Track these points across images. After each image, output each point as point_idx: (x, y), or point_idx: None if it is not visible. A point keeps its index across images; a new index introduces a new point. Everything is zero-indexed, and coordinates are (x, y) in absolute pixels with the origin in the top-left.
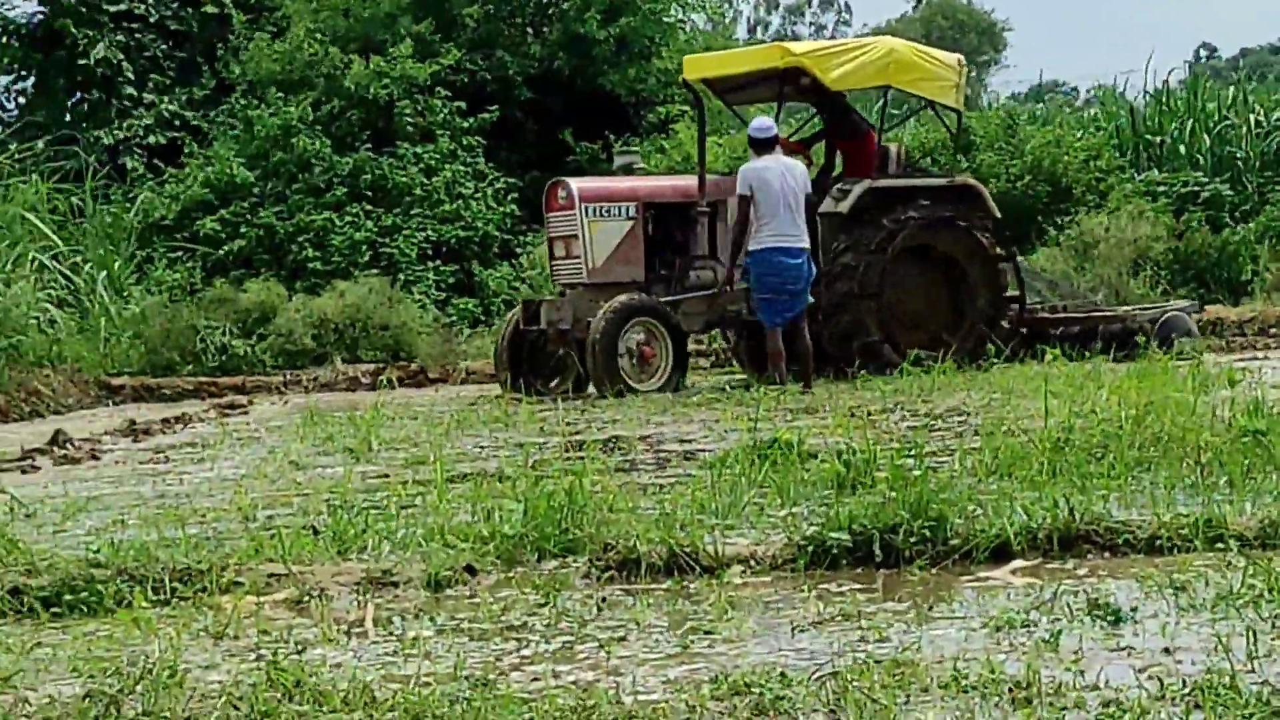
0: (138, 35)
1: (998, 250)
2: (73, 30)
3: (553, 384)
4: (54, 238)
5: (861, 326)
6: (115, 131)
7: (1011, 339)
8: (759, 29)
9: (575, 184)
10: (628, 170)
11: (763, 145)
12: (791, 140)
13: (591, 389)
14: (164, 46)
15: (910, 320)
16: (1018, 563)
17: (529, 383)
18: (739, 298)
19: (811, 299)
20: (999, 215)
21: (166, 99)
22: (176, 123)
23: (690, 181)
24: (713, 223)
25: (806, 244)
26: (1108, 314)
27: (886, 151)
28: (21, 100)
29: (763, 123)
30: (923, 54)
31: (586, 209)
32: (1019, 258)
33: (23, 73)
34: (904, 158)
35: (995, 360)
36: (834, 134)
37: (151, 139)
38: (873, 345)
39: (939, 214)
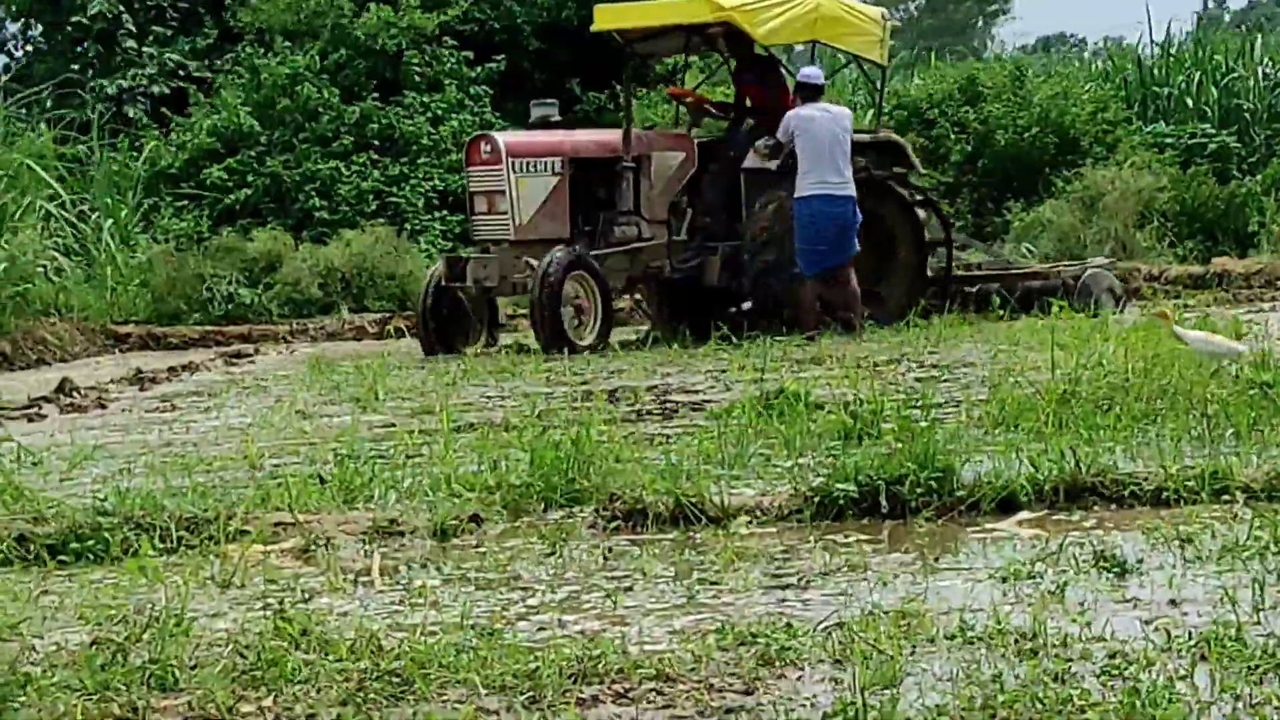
0: None
1: (918, 201)
2: None
3: (470, 342)
4: (57, 187)
5: (797, 288)
6: (118, 80)
7: (939, 290)
8: None
9: (501, 138)
10: (545, 123)
11: (812, 92)
12: (701, 97)
13: (495, 347)
14: None
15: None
16: (1024, 514)
17: (450, 341)
18: (661, 253)
19: (858, 247)
20: (921, 169)
21: (168, 50)
22: (180, 72)
23: (614, 136)
24: (637, 178)
25: (852, 191)
26: (1027, 271)
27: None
28: (29, 49)
29: (812, 70)
30: (848, 8)
31: (514, 164)
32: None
33: (31, 20)
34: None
35: (923, 317)
36: (746, 87)
37: (155, 89)
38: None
39: (863, 169)
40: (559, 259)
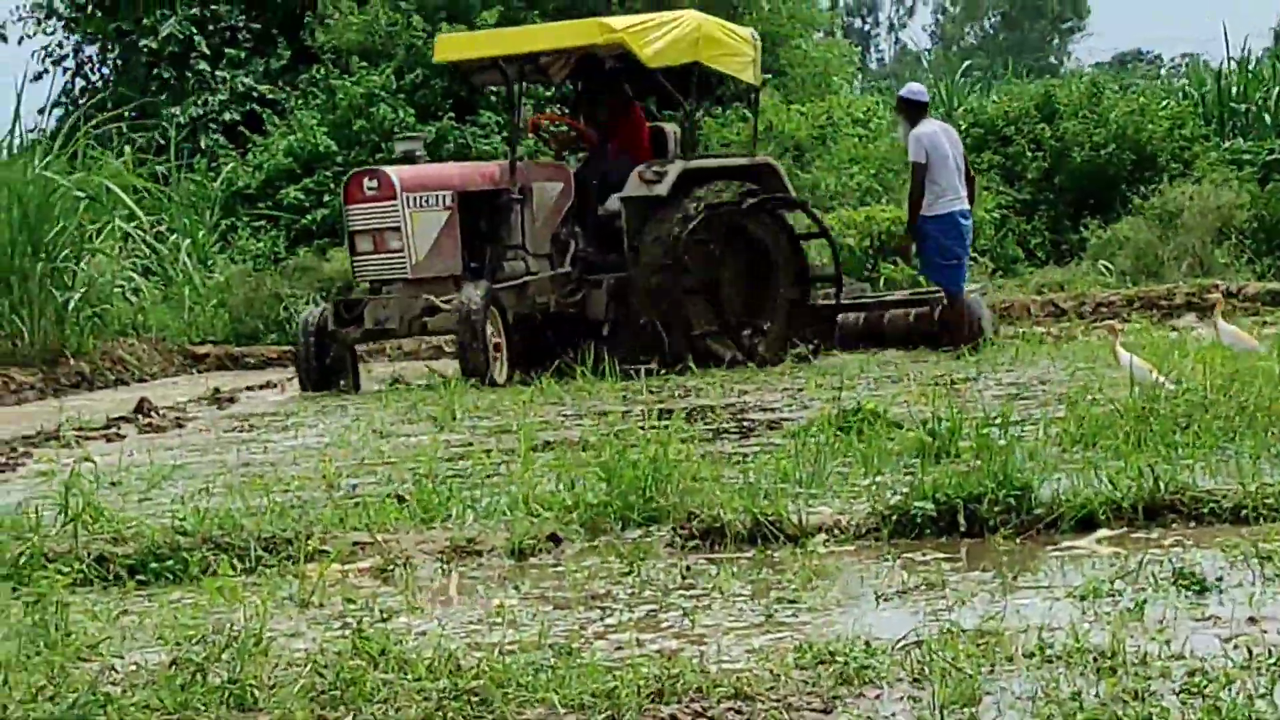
0: (213, 7)
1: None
2: (145, 7)
3: (342, 383)
4: (135, 208)
5: (684, 319)
6: (191, 109)
7: (827, 323)
8: None
9: (394, 173)
10: (409, 159)
11: (922, 109)
12: (571, 120)
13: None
14: (240, 18)
15: (730, 309)
16: (1103, 532)
17: (328, 382)
18: (547, 288)
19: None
20: (795, 195)
21: (241, 73)
22: (253, 95)
23: (496, 167)
24: (521, 211)
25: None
26: (900, 300)
27: (663, 132)
28: (105, 70)
29: (918, 87)
30: (725, 29)
31: (408, 199)
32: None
33: (108, 44)
34: (680, 139)
35: (807, 350)
36: (604, 112)
37: (227, 115)
38: (699, 338)
39: (753, 195)
40: (475, 296)
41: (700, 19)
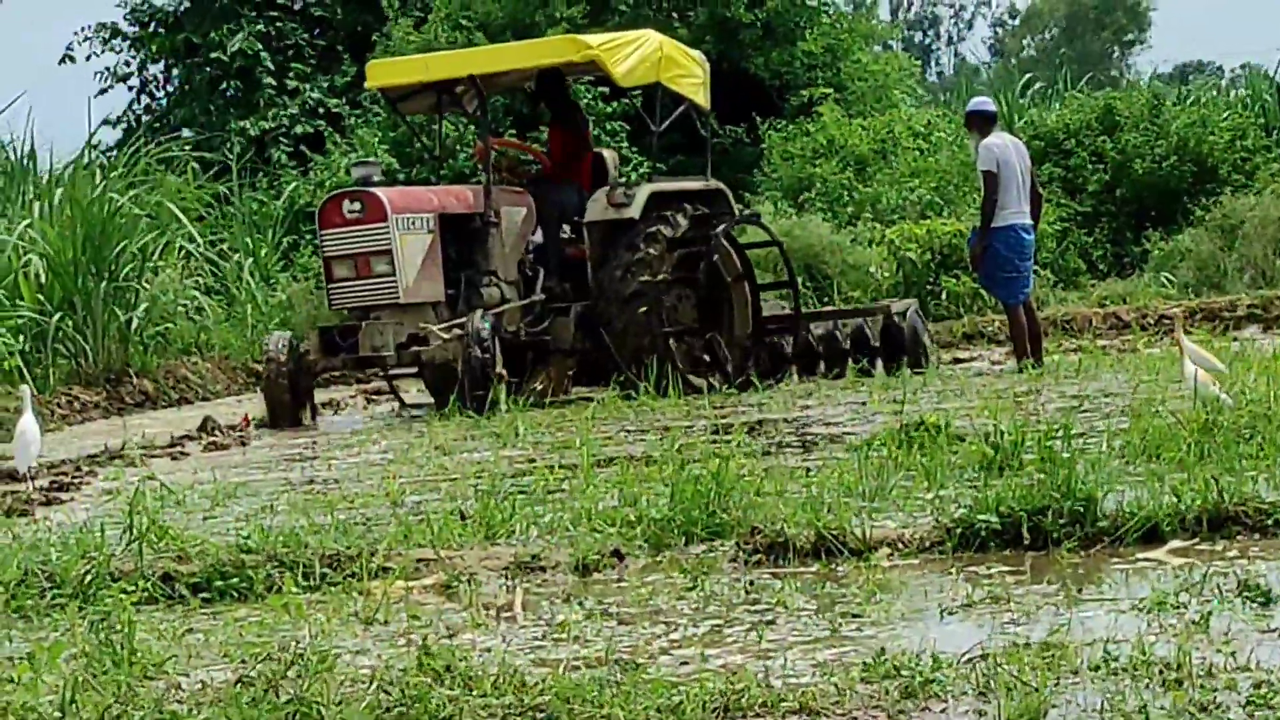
0: (278, 24)
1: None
2: (211, 23)
3: (305, 417)
4: (193, 229)
5: (665, 348)
6: (261, 123)
7: (784, 348)
8: (900, 10)
9: (383, 194)
10: (365, 183)
11: (990, 121)
12: (526, 145)
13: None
14: (305, 35)
15: (700, 335)
16: (1173, 544)
17: (296, 415)
18: (517, 316)
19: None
20: (738, 217)
21: (308, 86)
22: (321, 110)
23: (469, 191)
24: (494, 236)
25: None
26: (847, 312)
27: (603, 158)
28: (169, 89)
29: (986, 99)
30: (681, 50)
31: (398, 221)
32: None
33: (170, 61)
34: (618, 165)
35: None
36: (569, 136)
37: (298, 129)
38: (676, 368)
39: (708, 220)
40: (481, 326)
41: (660, 39)
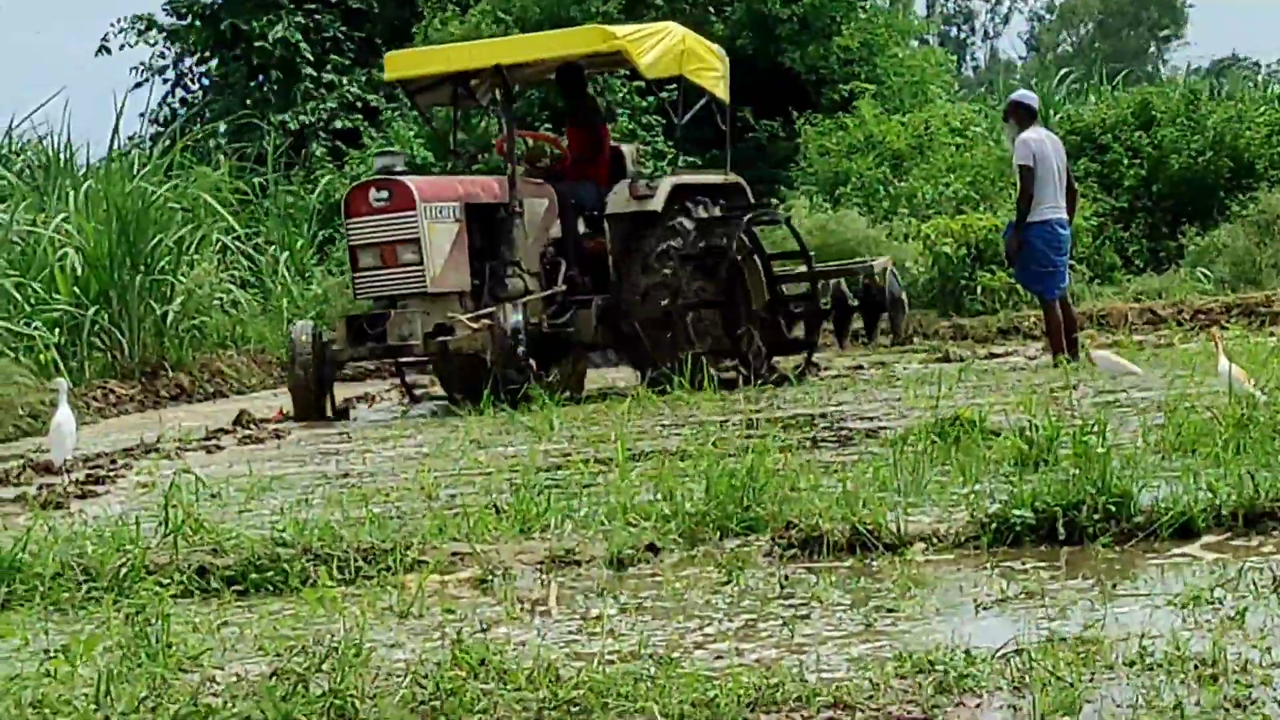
0: (316, 16)
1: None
2: (250, 14)
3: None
4: (231, 220)
5: (688, 338)
6: (301, 116)
7: (805, 333)
8: (936, 5)
9: (412, 182)
10: (390, 173)
11: (1032, 115)
12: (550, 137)
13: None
14: (343, 28)
15: (714, 328)
16: (1208, 539)
17: (322, 401)
18: (539, 308)
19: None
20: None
21: (346, 80)
22: (359, 105)
23: (495, 181)
24: (519, 227)
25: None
26: (829, 272)
27: (620, 152)
28: (205, 82)
29: (1030, 93)
30: (703, 44)
31: (427, 209)
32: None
33: (206, 54)
34: (637, 158)
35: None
36: (589, 129)
37: (337, 123)
38: (698, 359)
39: (733, 214)
40: (514, 317)
41: (683, 32)
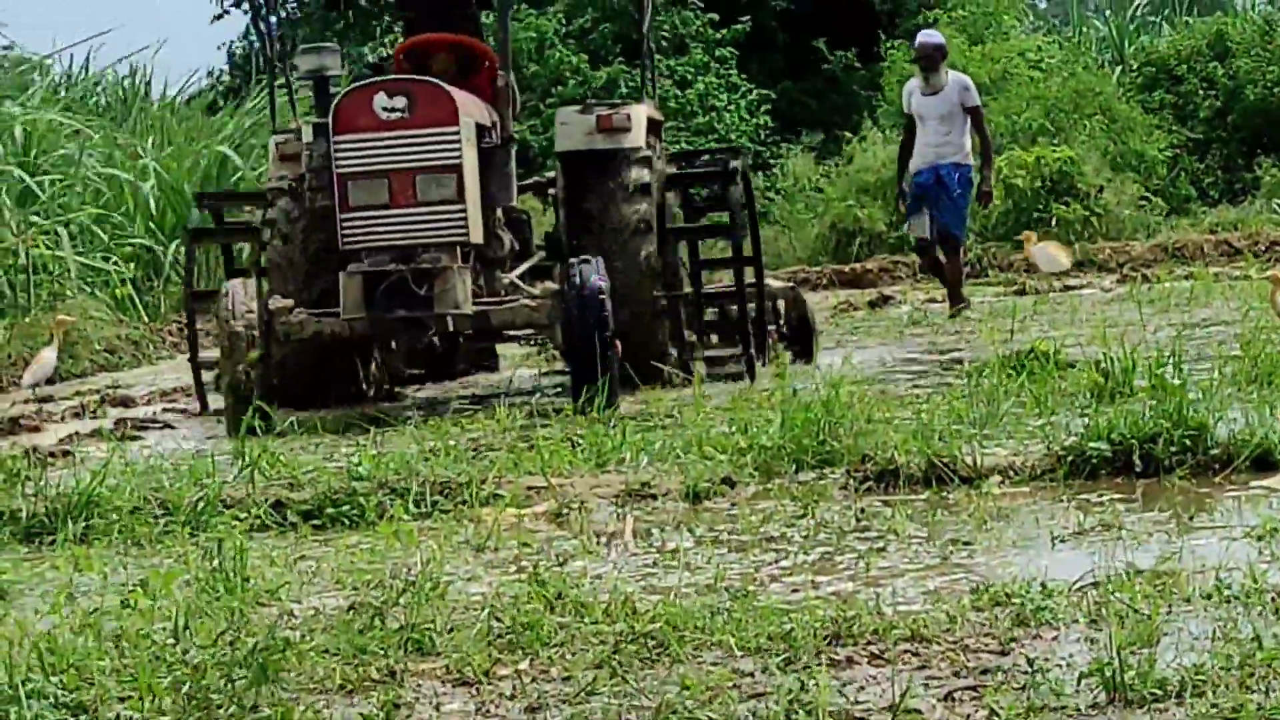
0: None
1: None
2: None
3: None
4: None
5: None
6: (380, 48)
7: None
8: None
9: (453, 89)
10: (320, 76)
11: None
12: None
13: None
14: None
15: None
16: None
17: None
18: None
19: None
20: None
21: None
22: None
23: (471, 98)
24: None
25: None
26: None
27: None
28: (284, 14)
29: (935, 32)
30: None
31: (468, 128)
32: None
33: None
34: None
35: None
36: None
37: None
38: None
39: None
40: (595, 278)
41: None
